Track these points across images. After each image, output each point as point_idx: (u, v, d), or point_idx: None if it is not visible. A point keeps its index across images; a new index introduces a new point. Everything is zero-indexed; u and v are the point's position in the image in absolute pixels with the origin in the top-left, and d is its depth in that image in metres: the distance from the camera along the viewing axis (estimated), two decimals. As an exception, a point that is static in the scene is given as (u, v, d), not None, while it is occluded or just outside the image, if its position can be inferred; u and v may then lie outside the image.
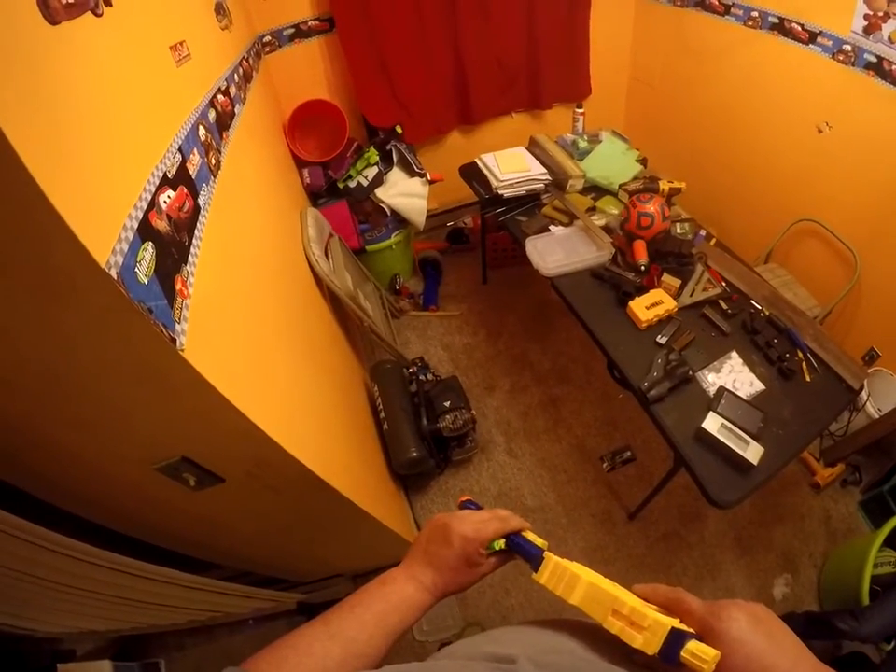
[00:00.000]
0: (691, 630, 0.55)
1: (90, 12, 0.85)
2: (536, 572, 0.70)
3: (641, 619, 0.55)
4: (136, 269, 0.78)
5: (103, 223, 0.73)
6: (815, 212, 2.82)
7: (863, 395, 2.39)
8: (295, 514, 1.61)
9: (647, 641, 0.54)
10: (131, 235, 0.78)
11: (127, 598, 1.49)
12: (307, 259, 2.33)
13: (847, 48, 2.40)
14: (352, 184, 3.15)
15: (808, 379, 1.92)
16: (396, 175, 3.26)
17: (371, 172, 3.16)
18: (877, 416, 2.36)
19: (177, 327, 0.86)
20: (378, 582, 0.74)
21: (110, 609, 1.47)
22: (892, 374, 2.55)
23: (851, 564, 2.08)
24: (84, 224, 0.66)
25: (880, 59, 2.27)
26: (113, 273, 0.71)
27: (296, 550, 1.94)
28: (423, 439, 2.44)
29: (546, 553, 0.72)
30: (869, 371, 2.53)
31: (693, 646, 0.51)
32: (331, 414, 1.89)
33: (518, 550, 0.77)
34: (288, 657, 0.60)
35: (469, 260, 3.85)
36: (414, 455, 2.36)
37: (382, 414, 2.48)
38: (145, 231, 0.83)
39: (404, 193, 3.23)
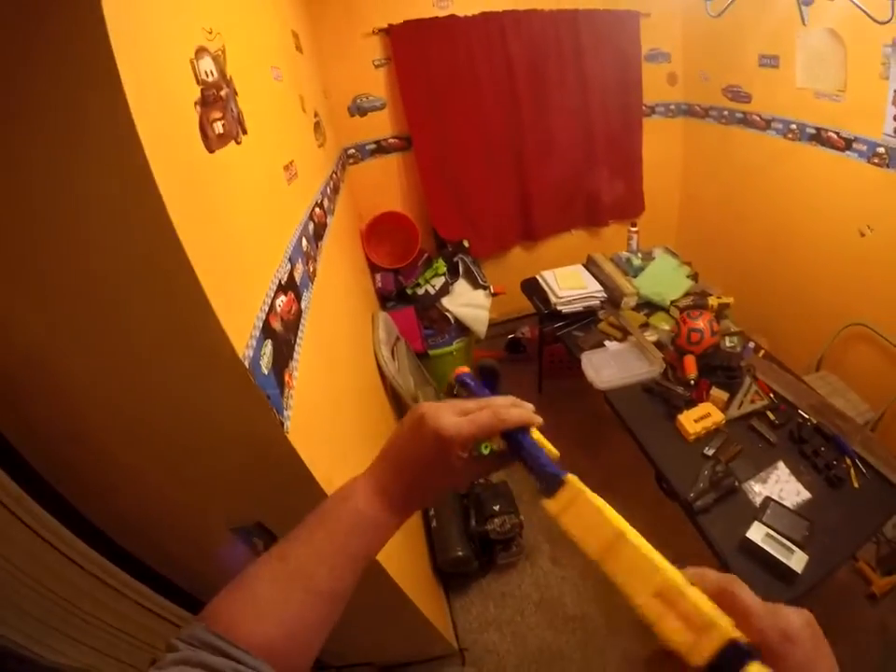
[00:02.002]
0: (750, 643, 0.39)
1: (233, 141, 1.04)
2: (548, 496, 0.54)
3: (696, 613, 0.40)
4: (261, 361, 0.92)
5: (240, 321, 0.89)
6: (863, 315, 2.85)
7: None
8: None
9: (695, 647, 0.39)
10: (258, 333, 0.94)
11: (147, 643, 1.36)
12: (376, 359, 2.49)
13: (881, 150, 2.53)
14: (420, 291, 3.37)
15: (857, 485, 1.91)
16: (461, 285, 3.47)
17: (439, 281, 3.37)
18: None
19: (285, 413, 1.00)
20: (339, 497, 0.64)
21: (132, 652, 1.41)
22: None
23: None
24: (228, 320, 0.82)
25: None
26: (246, 363, 0.86)
27: (335, 628, 1.96)
28: (470, 539, 2.48)
29: (569, 475, 0.55)
30: None
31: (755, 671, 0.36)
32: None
33: (524, 456, 0.61)
34: (247, 604, 0.56)
35: (525, 370, 3.94)
36: (460, 554, 2.40)
37: (431, 512, 2.55)
38: (266, 330, 0.99)
39: (468, 304, 3.43)
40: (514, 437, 0.61)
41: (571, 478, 0.54)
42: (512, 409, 0.63)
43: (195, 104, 0.88)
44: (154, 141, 0.68)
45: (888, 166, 2.53)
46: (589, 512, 0.51)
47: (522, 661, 2.36)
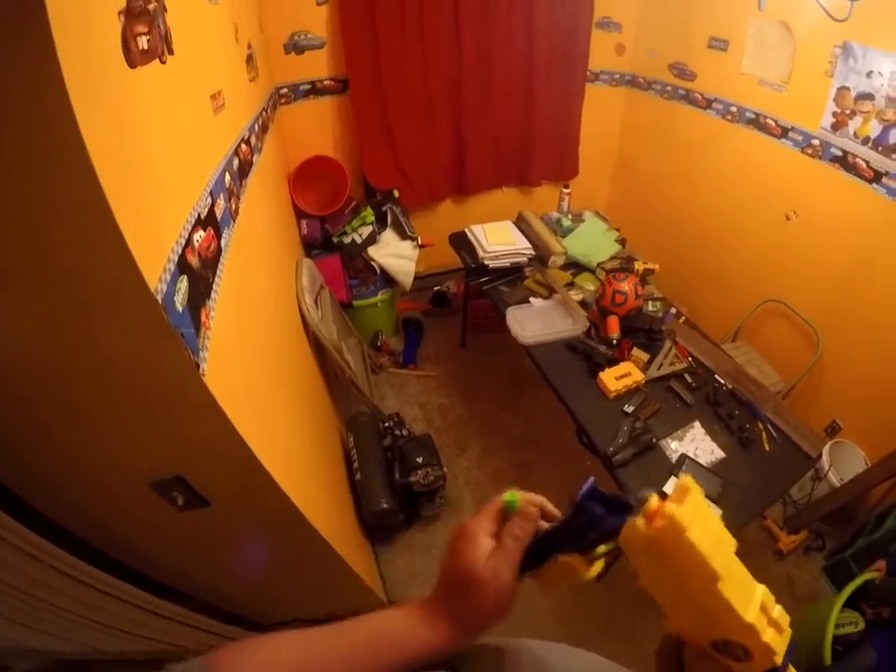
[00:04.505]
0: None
1: (157, 59, 0.96)
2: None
3: (784, 620, 0.46)
4: (175, 297, 0.87)
5: (153, 252, 0.83)
6: (781, 293, 3.03)
7: (825, 464, 2.52)
8: (270, 547, 1.64)
9: (779, 645, 0.44)
10: (172, 267, 0.88)
11: (89, 618, 1.35)
12: (299, 306, 2.42)
13: (816, 142, 2.66)
14: (346, 240, 3.28)
15: (768, 448, 2.03)
16: (388, 235, 3.41)
17: (366, 230, 3.29)
18: (839, 485, 2.47)
19: (201, 354, 0.95)
20: (393, 626, 0.60)
21: (69, 627, 1.36)
22: (853, 445, 2.69)
23: (814, 625, 2.07)
24: (140, 250, 0.76)
25: (845, 153, 2.52)
26: (158, 297, 0.80)
27: (264, 585, 1.94)
28: (394, 492, 2.48)
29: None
30: (831, 442, 2.66)
31: None
32: (312, 455, 1.94)
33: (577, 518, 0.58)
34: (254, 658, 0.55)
35: (449, 324, 3.96)
36: (385, 506, 2.39)
37: (356, 464, 2.53)
38: (182, 265, 0.92)
39: (395, 254, 3.37)
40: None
41: (689, 479, 0.52)
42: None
43: (119, 13, 0.80)
44: (68, 44, 0.61)
45: (820, 157, 2.65)
46: (712, 522, 0.48)
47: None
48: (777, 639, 0.43)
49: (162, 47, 0.99)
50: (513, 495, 0.60)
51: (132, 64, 0.83)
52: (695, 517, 0.46)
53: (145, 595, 1.42)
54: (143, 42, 0.88)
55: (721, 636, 0.45)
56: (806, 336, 2.90)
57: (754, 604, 0.44)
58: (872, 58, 2.29)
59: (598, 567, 0.58)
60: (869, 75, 2.31)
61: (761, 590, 0.46)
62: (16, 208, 0.68)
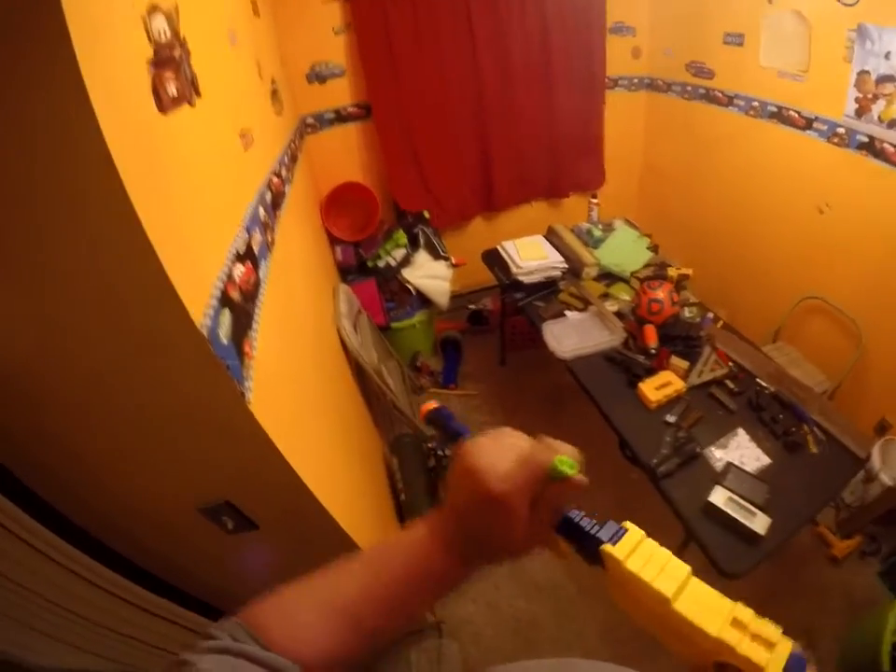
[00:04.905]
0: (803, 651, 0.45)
1: (187, 103, 1.01)
2: (612, 543, 0.53)
3: (769, 632, 0.45)
4: (219, 331, 0.90)
5: (197, 290, 0.87)
6: (819, 289, 2.93)
7: (876, 464, 2.41)
8: (316, 568, 1.65)
9: (773, 663, 0.43)
10: (215, 302, 0.92)
11: (132, 637, 1.31)
12: (338, 332, 2.47)
13: (841, 130, 2.59)
14: (381, 263, 3.34)
15: (815, 451, 1.97)
16: (422, 257, 3.46)
17: (399, 253, 3.34)
18: (891, 485, 2.36)
19: (246, 383, 0.98)
20: (401, 543, 0.60)
21: (111, 647, 1.27)
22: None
23: (872, 632, 2.02)
24: (184, 288, 0.80)
25: (871, 139, 2.45)
26: (204, 332, 0.84)
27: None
28: (438, 512, 2.48)
29: (627, 522, 0.55)
30: (881, 440, 2.54)
31: None
32: (356, 477, 1.97)
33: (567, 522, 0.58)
34: (287, 624, 0.54)
35: (488, 342, 3.97)
36: (430, 526, 2.39)
37: (399, 485, 2.55)
38: (224, 299, 0.97)
39: (429, 275, 3.42)
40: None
41: (631, 525, 0.54)
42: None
43: (147, 63, 0.85)
44: (104, 98, 0.65)
45: (847, 146, 2.59)
46: (658, 555, 0.52)
47: (498, 630, 2.40)
48: (762, 653, 0.44)
49: (190, 90, 1.04)
50: (565, 463, 0.55)
51: (163, 110, 0.88)
52: (635, 551, 0.51)
53: (186, 613, 1.42)
54: (171, 88, 0.93)
55: (712, 658, 0.46)
56: (848, 331, 2.81)
57: (722, 618, 0.46)
58: (889, 38, 2.23)
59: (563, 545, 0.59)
60: (888, 56, 2.25)
61: (730, 606, 0.48)
62: (75, 266, 0.74)
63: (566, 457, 0.54)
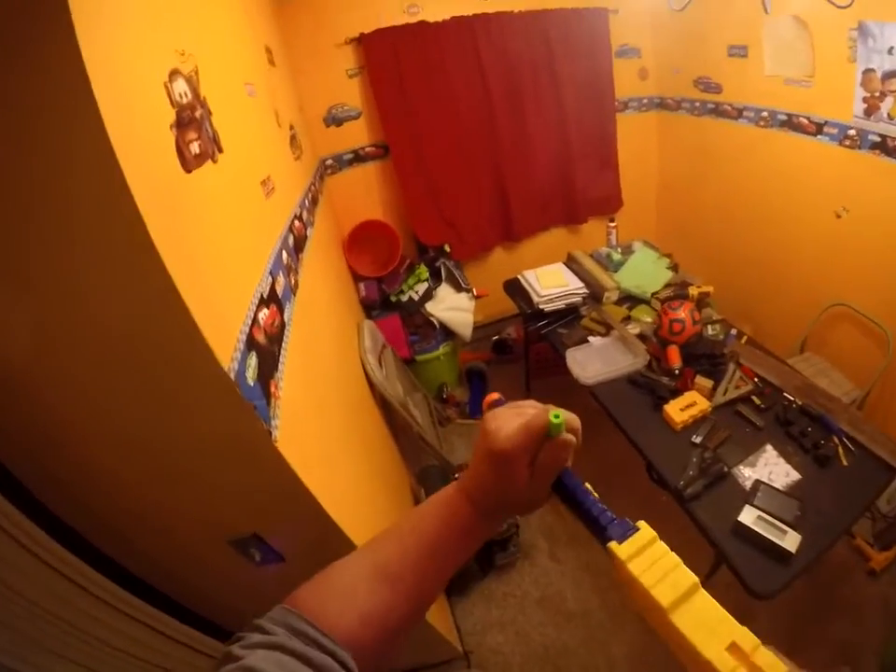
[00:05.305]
0: None
1: (210, 160, 1.06)
2: (618, 541, 0.53)
3: (772, 666, 0.42)
4: (246, 373, 0.94)
5: (223, 335, 0.91)
6: (844, 295, 2.89)
7: None
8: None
9: None
10: (242, 346, 0.96)
11: (149, 662, 1.29)
12: (363, 367, 2.50)
13: (852, 132, 2.59)
14: (404, 298, 3.40)
15: (846, 463, 1.94)
16: (444, 290, 3.52)
17: (422, 287, 3.40)
18: None
19: (272, 422, 1.02)
20: (432, 503, 0.66)
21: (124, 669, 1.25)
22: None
23: None
24: (212, 334, 0.84)
25: (883, 137, 2.45)
26: (231, 375, 0.88)
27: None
28: (467, 543, 2.48)
29: (641, 521, 0.55)
30: None
31: None
32: (382, 508, 1.98)
33: (580, 500, 0.60)
34: (332, 597, 0.58)
35: (513, 371, 3.97)
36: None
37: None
38: (250, 342, 1.01)
39: (452, 307, 3.46)
40: (562, 482, 0.62)
41: (644, 525, 0.54)
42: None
43: (171, 126, 0.90)
44: (132, 164, 0.70)
45: (859, 147, 2.59)
46: (665, 560, 0.51)
47: (527, 659, 2.38)
48: None
49: (212, 147, 1.09)
50: (559, 418, 0.57)
51: (187, 169, 0.93)
52: (641, 553, 0.51)
53: (210, 641, 1.42)
54: (195, 147, 0.98)
55: None
56: (876, 337, 2.76)
57: (720, 641, 0.44)
58: (891, 33, 2.23)
59: None
60: (891, 51, 2.25)
61: (734, 629, 0.45)
62: (110, 323, 0.79)
63: (558, 410, 0.58)
